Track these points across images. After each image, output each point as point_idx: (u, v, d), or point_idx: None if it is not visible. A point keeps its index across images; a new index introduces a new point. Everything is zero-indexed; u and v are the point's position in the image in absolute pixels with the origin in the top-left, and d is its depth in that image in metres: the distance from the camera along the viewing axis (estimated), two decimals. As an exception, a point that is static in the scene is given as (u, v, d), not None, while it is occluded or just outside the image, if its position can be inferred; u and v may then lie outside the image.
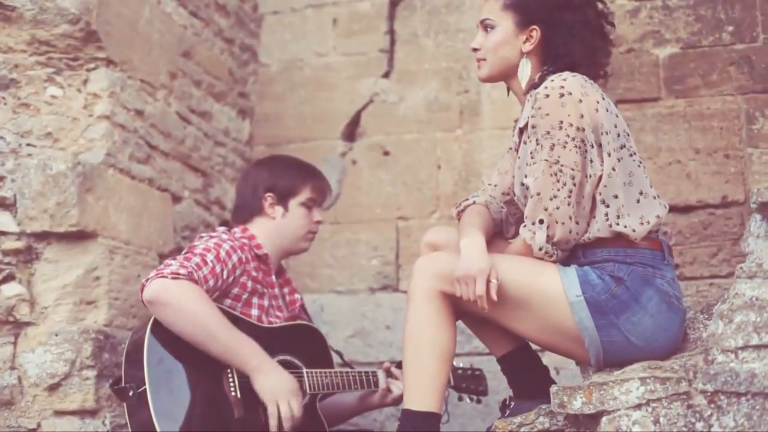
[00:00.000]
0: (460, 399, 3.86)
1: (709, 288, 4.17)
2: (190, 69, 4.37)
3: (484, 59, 3.18)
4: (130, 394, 3.23)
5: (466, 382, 3.84)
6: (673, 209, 4.24)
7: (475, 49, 3.20)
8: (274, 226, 3.71)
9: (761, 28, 4.22)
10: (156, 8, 4.08)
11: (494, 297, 2.85)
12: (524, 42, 3.13)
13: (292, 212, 3.73)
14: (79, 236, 3.58)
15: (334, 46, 4.95)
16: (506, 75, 3.19)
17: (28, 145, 3.63)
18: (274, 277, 3.70)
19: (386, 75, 4.85)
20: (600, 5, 3.19)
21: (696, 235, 4.23)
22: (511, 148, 3.32)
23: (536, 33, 3.11)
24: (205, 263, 3.38)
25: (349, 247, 4.77)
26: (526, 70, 3.13)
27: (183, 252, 3.49)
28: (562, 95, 2.90)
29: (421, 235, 4.53)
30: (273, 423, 3.32)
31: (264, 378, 3.33)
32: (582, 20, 3.12)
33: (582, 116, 2.90)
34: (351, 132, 4.87)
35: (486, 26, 3.17)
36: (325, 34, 4.96)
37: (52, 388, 3.50)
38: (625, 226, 2.91)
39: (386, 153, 4.79)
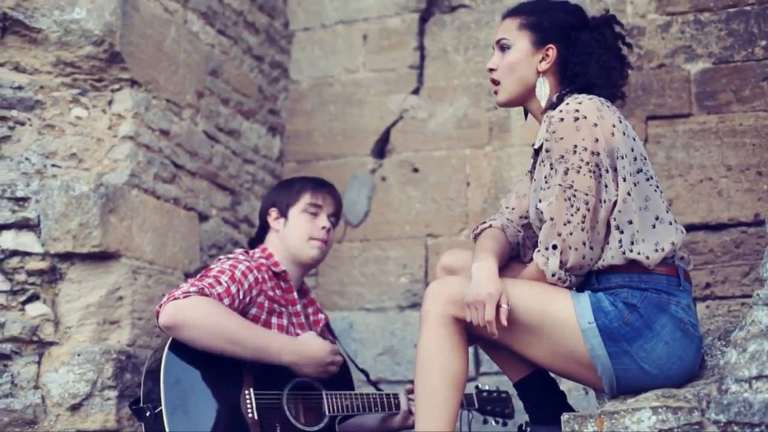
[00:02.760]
0: (485, 422, 3.83)
1: (740, 308, 4.09)
2: (218, 87, 4.38)
3: (500, 82, 3.16)
4: (148, 414, 3.24)
5: (492, 405, 3.81)
6: (705, 227, 4.19)
7: (491, 69, 3.18)
8: (279, 239, 3.73)
9: (794, 43, 4.15)
10: (182, 28, 4.11)
11: (504, 323, 2.82)
12: (540, 61, 3.11)
13: (292, 220, 3.73)
14: (102, 257, 3.61)
15: (364, 62, 4.94)
16: (524, 97, 3.16)
17: (53, 166, 3.67)
18: (295, 294, 3.69)
19: (416, 91, 4.84)
20: (617, 27, 3.16)
21: (728, 254, 4.16)
22: (529, 171, 3.29)
23: (552, 51, 3.09)
24: (219, 283, 3.39)
25: (378, 264, 4.76)
26: (544, 89, 3.10)
27: (198, 275, 3.51)
28: (576, 119, 2.87)
29: (450, 253, 4.56)
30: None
31: (304, 367, 3.44)
32: (599, 40, 3.11)
33: (597, 140, 2.86)
34: (380, 149, 4.86)
35: (502, 46, 3.16)
36: (355, 50, 4.95)
37: (74, 407, 3.53)
38: (639, 253, 2.86)
39: (415, 170, 4.77)
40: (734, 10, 4.26)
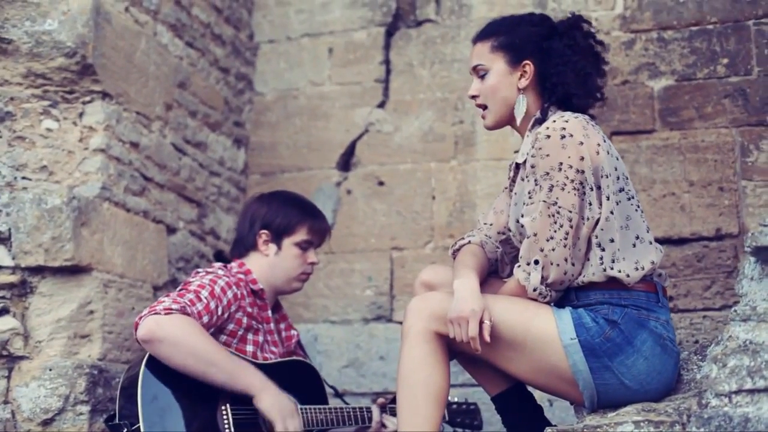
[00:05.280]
0: (455, 433, 3.86)
1: (702, 321, 4.18)
2: (186, 100, 4.37)
3: (485, 106, 3.18)
4: (125, 431, 3.23)
5: (461, 417, 3.84)
6: (667, 241, 4.26)
7: (473, 97, 3.21)
8: (267, 264, 3.69)
9: (756, 61, 4.24)
10: (152, 40, 4.09)
11: (487, 338, 2.85)
12: (519, 78, 3.14)
13: (285, 251, 3.70)
14: (74, 270, 3.58)
15: (330, 75, 4.95)
16: (511, 117, 3.18)
17: (24, 178, 3.64)
18: (270, 312, 3.69)
19: (381, 105, 4.86)
20: (585, 26, 3.19)
21: (690, 268, 4.24)
22: (506, 188, 3.32)
23: (530, 67, 3.12)
24: (199, 299, 3.38)
25: (344, 277, 4.77)
26: (521, 107, 3.13)
27: (178, 288, 3.49)
28: (563, 137, 2.91)
29: (416, 266, 4.60)
30: None
31: (270, 398, 3.36)
32: (570, 45, 3.14)
33: (582, 158, 2.90)
34: (346, 162, 4.87)
35: (479, 72, 3.19)
36: (320, 63, 4.96)
37: (46, 423, 3.49)
38: (620, 271, 2.91)
39: (381, 183, 4.79)
40: (697, 29, 4.36)
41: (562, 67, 3.10)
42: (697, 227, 4.25)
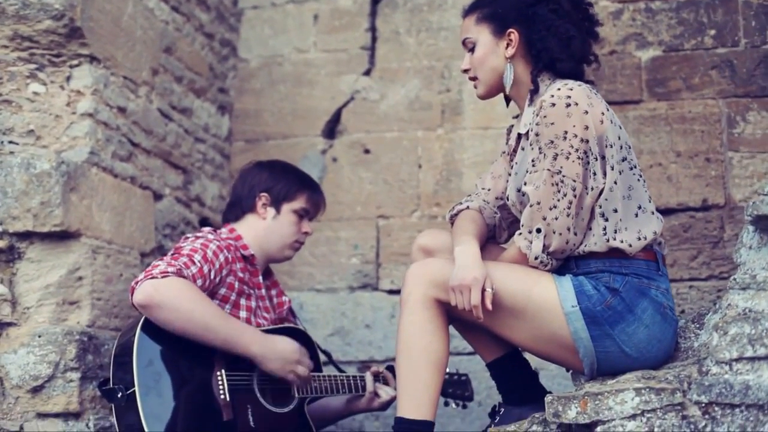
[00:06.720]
0: (446, 404, 3.86)
1: (688, 291, 4.21)
2: (172, 65, 4.32)
3: (476, 77, 3.19)
4: (119, 395, 3.20)
5: (453, 388, 3.84)
6: (654, 211, 4.28)
7: (465, 71, 3.21)
8: (263, 228, 3.67)
9: (743, 33, 4.25)
10: (139, 4, 4.03)
11: (489, 306, 2.85)
12: (506, 47, 3.13)
13: (283, 217, 3.68)
14: (63, 236, 3.53)
15: (315, 42, 4.92)
16: (501, 86, 3.19)
17: (11, 142, 3.58)
18: (261, 277, 3.67)
19: (367, 72, 4.83)
20: None
21: (676, 238, 4.26)
22: (504, 152, 3.32)
23: (514, 35, 3.12)
24: (193, 263, 3.35)
25: (329, 245, 4.75)
26: (509, 75, 3.13)
27: (170, 253, 3.46)
28: (568, 105, 2.90)
29: (402, 234, 4.60)
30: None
31: (270, 362, 3.38)
32: (555, 10, 3.12)
33: (587, 128, 2.89)
34: (331, 129, 4.85)
35: (468, 45, 3.20)
36: (305, 30, 4.93)
37: (36, 390, 3.45)
38: (622, 241, 2.91)
39: (367, 151, 4.77)
40: (684, 0, 4.36)
41: (545, 32, 3.09)
42: (684, 198, 4.27)
